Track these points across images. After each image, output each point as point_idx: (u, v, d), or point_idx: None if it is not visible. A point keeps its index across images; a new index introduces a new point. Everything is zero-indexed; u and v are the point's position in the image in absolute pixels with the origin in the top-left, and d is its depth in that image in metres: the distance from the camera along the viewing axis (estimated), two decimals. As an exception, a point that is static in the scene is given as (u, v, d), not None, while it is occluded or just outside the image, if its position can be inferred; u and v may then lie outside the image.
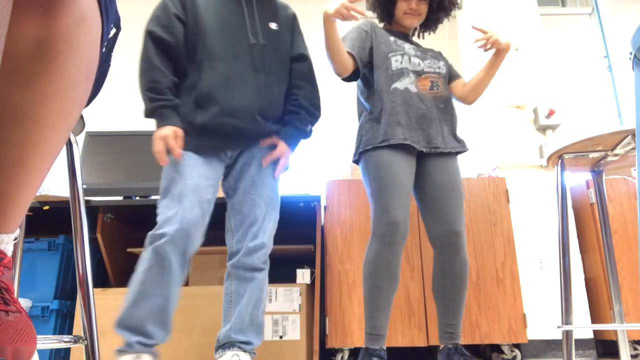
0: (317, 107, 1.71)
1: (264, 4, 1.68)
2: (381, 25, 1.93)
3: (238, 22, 1.60)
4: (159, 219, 1.43)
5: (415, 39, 1.95)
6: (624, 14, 3.90)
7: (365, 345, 1.61)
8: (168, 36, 1.53)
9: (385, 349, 1.60)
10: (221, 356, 1.47)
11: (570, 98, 3.64)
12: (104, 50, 0.65)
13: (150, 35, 1.53)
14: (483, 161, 2.79)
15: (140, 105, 1.52)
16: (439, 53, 1.91)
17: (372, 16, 1.96)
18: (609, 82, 3.72)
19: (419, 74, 1.75)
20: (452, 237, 1.64)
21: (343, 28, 1.77)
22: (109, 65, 0.73)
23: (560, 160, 1.43)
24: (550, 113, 2.62)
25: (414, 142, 1.67)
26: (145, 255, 1.38)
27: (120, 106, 3.56)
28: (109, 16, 0.62)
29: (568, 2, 4.09)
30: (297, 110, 1.66)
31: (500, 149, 2.63)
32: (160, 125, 1.48)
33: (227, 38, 1.56)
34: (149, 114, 1.51)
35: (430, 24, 1.90)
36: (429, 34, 1.97)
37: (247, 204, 1.57)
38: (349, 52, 1.68)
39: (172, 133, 1.47)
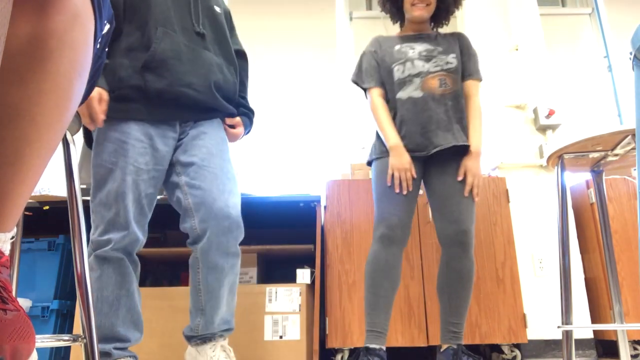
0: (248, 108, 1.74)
1: None
2: (392, 31, 1.96)
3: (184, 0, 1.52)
4: (97, 218, 1.34)
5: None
6: (624, 14, 3.89)
7: (365, 343, 1.61)
8: None
9: (384, 349, 1.60)
10: (199, 347, 1.42)
11: (570, 98, 3.64)
12: (98, 46, 0.64)
13: None
14: (483, 161, 2.79)
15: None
16: (454, 42, 1.85)
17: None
18: (609, 82, 3.72)
19: (424, 75, 1.76)
20: (461, 236, 1.66)
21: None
22: (103, 62, 0.73)
23: (560, 160, 1.42)
24: (550, 113, 2.61)
25: (414, 152, 1.72)
26: (94, 263, 1.32)
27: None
28: (102, 12, 0.62)
29: (568, 2, 4.09)
30: (247, 113, 1.68)
31: (500, 149, 2.63)
32: None
33: (175, 11, 1.48)
34: None
35: (441, 15, 1.88)
36: (442, 26, 1.94)
37: (206, 178, 1.42)
38: (377, 87, 1.83)
39: (96, 95, 1.30)
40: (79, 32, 0.57)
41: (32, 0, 0.52)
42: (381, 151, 1.78)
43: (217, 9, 1.62)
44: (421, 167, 1.77)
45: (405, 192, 1.68)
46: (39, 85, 0.55)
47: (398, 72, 1.78)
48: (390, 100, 1.81)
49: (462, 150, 1.74)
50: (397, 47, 1.83)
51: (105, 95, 1.34)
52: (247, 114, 1.68)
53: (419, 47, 1.82)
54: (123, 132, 1.37)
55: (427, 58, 1.79)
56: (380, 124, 1.76)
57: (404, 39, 1.86)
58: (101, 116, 1.32)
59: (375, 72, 1.84)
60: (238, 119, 1.63)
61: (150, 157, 1.39)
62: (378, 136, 1.83)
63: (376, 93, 1.82)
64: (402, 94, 1.76)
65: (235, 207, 1.44)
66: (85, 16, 0.58)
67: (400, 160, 1.68)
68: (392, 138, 1.72)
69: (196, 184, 1.41)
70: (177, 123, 1.46)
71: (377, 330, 1.61)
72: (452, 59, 1.80)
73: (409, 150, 1.71)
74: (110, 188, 1.33)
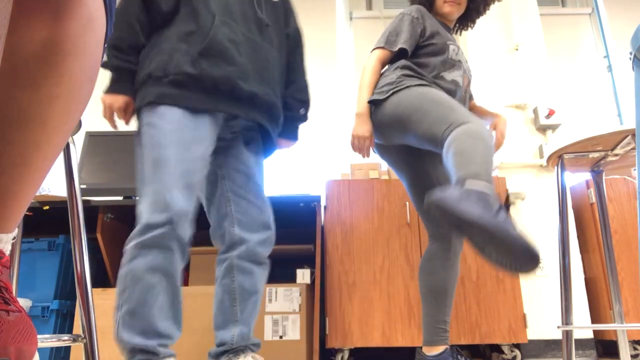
0: (308, 95, 1.66)
1: None
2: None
3: None
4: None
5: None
6: (624, 14, 3.90)
7: None
8: None
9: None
10: None
11: (570, 98, 3.64)
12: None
13: None
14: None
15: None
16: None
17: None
18: (609, 82, 3.72)
19: (465, 70, 1.71)
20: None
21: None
22: (101, 58, 0.73)
23: (560, 160, 1.42)
24: (550, 113, 2.61)
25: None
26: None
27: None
28: (112, 13, 0.62)
29: (568, 2, 4.09)
30: (295, 105, 1.61)
31: (500, 149, 2.63)
32: (113, 90, 1.31)
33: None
34: (110, 69, 1.33)
35: (468, 16, 1.82)
36: (466, 29, 1.88)
37: (252, 190, 1.44)
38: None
39: (123, 105, 1.32)
40: (91, 36, 0.57)
41: (49, 5, 0.52)
42: (415, 80, 1.59)
43: None
44: None
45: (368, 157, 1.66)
46: (51, 90, 0.55)
47: (453, 52, 1.67)
48: (432, 68, 1.64)
49: None
50: (442, 28, 1.72)
51: (132, 105, 1.33)
52: (291, 117, 1.62)
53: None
54: (173, 119, 1.29)
55: (462, 55, 1.72)
56: (364, 83, 1.65)
57: (441, 24, 1.75)
58: (123, 123, 1.35)
59: (414, 40, 1.67)
60: (285, 143, 1.66)
61: (203, 147, 1.32)
62: (398, 79, 1.62)
63: (383, 56, 1.68)
64: (447, 75, 1.64)
65: (272, 222, 1.47)
66: (99, 20, 0.58)
67: (363, 129, 1.61)
68: (363, 105, 1.62)
69: (241, 193, 1.43)
70: (222, 116, 1.39)
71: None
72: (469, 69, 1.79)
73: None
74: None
